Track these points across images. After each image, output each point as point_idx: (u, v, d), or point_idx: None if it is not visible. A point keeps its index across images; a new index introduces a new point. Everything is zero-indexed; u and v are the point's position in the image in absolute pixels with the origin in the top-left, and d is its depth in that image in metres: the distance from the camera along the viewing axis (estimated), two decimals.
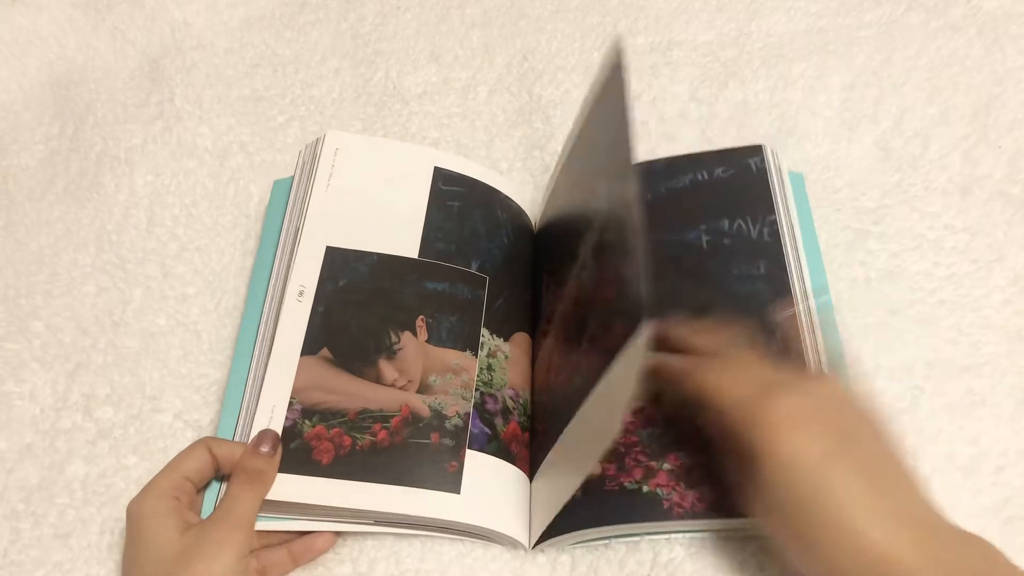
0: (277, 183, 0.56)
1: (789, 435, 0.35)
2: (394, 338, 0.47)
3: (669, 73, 0.65)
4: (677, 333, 0.45)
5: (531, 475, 0.46)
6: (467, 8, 0.71)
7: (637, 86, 0.64)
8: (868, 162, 0.58)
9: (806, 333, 0.45)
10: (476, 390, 0.46)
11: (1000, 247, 0.53)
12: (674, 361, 0.42)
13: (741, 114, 0.62)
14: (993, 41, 0.63)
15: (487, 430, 0.46)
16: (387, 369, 0.46)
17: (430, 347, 0.47)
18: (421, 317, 0.48)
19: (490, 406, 0.47)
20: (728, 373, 0.40)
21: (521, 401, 0.48)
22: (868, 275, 0.53)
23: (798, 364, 0.44)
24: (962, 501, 0.44)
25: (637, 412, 0.45)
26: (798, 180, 0.53)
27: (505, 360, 0.48)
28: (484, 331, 0.49)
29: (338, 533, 0.45)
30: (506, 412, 0.47)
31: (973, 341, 0.50)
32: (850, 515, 0.34)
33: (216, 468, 0.42)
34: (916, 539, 0.33)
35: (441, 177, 0.53)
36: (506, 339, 0.49)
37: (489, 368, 0.48)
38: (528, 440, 0.47)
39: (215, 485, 0.43)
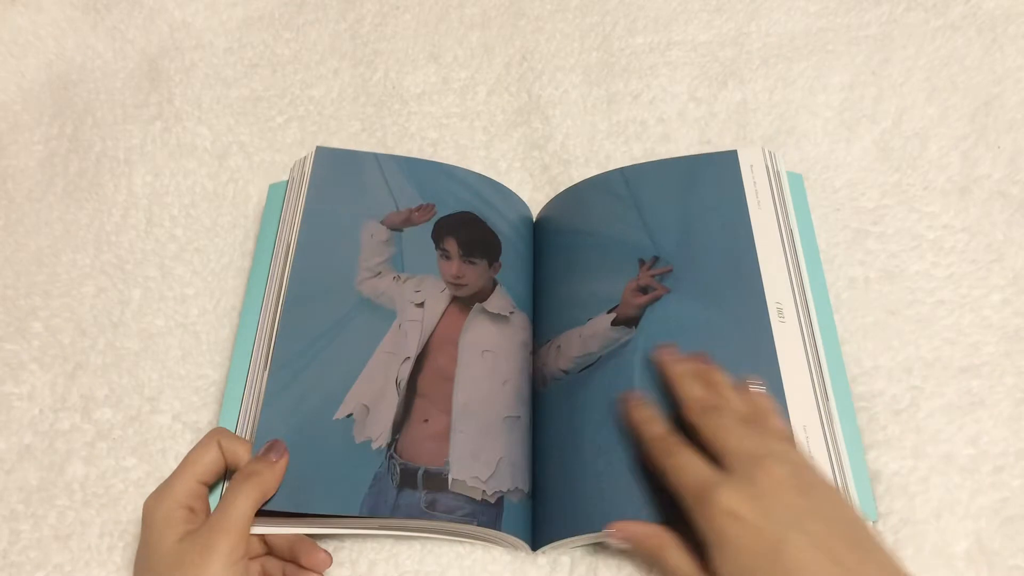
0: (273, 187, 0.56)
1: (734, 531, 0.36)
2: None
3: (668, 73, 0.65)
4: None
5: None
6: (466, 8, 0.71)
7: (636, 86, 0.64)
8: (867, 162, 0.58)
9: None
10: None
11: (999, 247, 0.53)
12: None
13: (740, 114, 0.62)
14: (992, 41, 0.63)
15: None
16: None
17: None
18: None
19: None
20: (682, 458, 0.39)
21: None
22: (867, 275, 0.53)
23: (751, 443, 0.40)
24: (961, 501, 0.44)
25: None
26: (797, 181, 0.53)
27: None
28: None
29: (338, 536, 0.45)
30: None
31: (972, 341, 0.50)
32: None
33: (224, 466, 0.42)
34: None
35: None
36: None
37: None
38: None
39: (218, 489, 0.43)
